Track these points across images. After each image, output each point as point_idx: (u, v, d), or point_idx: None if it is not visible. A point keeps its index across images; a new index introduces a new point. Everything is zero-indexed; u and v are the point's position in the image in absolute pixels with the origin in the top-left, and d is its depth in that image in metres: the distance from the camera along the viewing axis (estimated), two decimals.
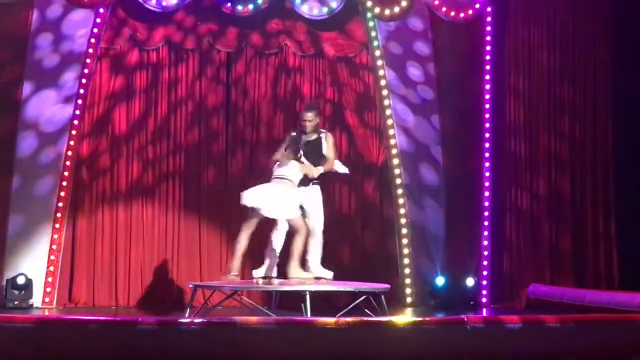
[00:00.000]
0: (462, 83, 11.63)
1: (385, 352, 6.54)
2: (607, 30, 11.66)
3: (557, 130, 11.56)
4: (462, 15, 11.56)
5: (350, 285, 9.10)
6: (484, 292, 11.24)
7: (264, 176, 9.30)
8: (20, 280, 10.07)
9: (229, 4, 10.92)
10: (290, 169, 9.07)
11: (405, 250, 11.20)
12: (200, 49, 11.33)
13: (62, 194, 10.46)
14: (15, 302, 9.96)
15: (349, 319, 6.93)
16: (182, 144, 11.23)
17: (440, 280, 11.03)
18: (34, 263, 10.28)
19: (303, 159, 9.11)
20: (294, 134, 9.42)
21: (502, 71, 11.67)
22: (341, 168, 9.60)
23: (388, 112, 11.36)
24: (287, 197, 8.89)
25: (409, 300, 11.09)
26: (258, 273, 9.21)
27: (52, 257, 10.34)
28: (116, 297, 10.78)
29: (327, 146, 9.38)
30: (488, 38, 11.58)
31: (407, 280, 11.14)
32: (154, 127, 11.18)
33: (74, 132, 10.56)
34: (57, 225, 10.40)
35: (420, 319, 7.40)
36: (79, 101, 10.60)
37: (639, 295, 9.25)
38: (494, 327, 6.96)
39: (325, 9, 11.20)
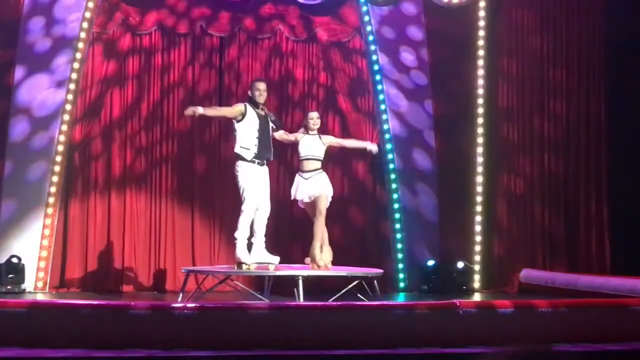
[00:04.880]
0: (455, 68, 11.63)
1: (378, 336, 6.56)
2: (599, 14, 11.64)
3: (550, 114, 11.57)
4: (455, 0, 11.54)
5: (343, 269, 9.12)
6: (477, 276, 11.27)
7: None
8: (14, 260, 10.04)
9: None
10: (317, 147, 9.18)
11: (398, 235, 11.21)
12: (193, 34, 11.29)
13: (55, 179, 10.43)
14: (8, 287, 9.94)
15: (341, 303, 6.96)
16: (174, 129, 11.21)
17: (430, 261, 11.03)
18: (27, 248, 10.25)
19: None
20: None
21: (495, 55, 11.66)
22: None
23: (381, 97, 11.36)
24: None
25: (401, 284, 11.11)
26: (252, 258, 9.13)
27: (45, 242, 10.32)
28: (108, 282, 10.77)
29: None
30: (481, 23, 11.57)
31: (400, 265, 11.16)
32: (147, 113, 11.15)
33: (66, 117, 10.52)
34: (50, 211, 10.38)
35: (412, 303, 7.43)
36: (71, 86, 10.56)
37: (631, 279, 9.27)
38: (486, 312, 6.99)
39: None
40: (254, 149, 8.83)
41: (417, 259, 11.23)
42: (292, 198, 9.35)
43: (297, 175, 9.26)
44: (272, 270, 8.96)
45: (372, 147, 9.73)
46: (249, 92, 9.15)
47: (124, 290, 10.71)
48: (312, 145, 9.16)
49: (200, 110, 8.85)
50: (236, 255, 8.85)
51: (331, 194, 9.21)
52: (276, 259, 8.91)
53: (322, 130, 9.54)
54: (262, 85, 9.10)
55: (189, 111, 8.82)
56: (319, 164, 9.17)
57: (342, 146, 9.83)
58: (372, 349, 6.37)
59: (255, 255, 8.90)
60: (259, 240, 9.02)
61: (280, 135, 9.37)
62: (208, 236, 11.18)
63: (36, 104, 10.50)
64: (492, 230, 11.51)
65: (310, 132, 9.23)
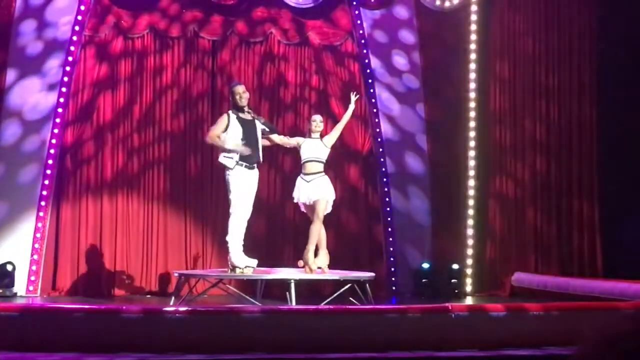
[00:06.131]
0: (447, 71, 11.65)
1: (370, 340, 6.56)
2: (591, 17, 11.66)
3: (541, 117, 11.57)
4: (447, 3, 11.57)
5: (336, 273, 9.11)
6: (469, 280, 11.28)
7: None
8: (9, 268, 10.04)
9: None
10: (320, 150, 9.16)
11: (390, 239, 11.22)
12: (185, 37, 11.29)
13: (46, 182, 10.41)
14: None
15: (334, 307, 6.95)
16: (167, 132, 11.21)
17: (425, 265, 11.05)
18: (18, 252, 10.22)
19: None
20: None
21: (487, 59, 11.68)
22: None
23: (373, 100, 11.37)
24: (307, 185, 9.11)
25: (393, 288, 11.11)
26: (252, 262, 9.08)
27: (36, 246, 10.29)
28: (100, 286, 10.74)
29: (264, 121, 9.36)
30: (473, 26, 11.59)
31: (392, 269, 11.16)
32: (139, 116, 11.14)
33: (58, 120, 10.50)
34: (41, 214, 10.35)
35: (405, 307, 7.42)
36: (63, 89, 10.54)
37: (622, 283, 9.29)
38: (478, 316, 6.99)
39: None
40: (237, 157, 8.76)
41: (409, 262, 11.24)
42: (294, 201, 9.33)
43: (299, 177, 9.21)
44: (263, 274, 8.95)
45: (353, 100, 9.53)
46: (230, 99, 9.12)
47: (116, 293, 10.69)
48: (314, 147, 9.13)
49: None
50: (230, 259, 8.82)
51: (333, 198, 9.17)
52: (254, 262, 8.86)
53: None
54: (240, 88, 9.04)
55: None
56: (321, 167, 9.13)
57: (341, 129, 9.50)
58: (364, 353, 6.36)
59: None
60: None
61: (281, 139, 9.35)
62: (200, 239, 11.17)
63: (28, 107, 10.48)
64: (484, 233, 11.52)
65: (312, 135, 9.21)
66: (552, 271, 11.14)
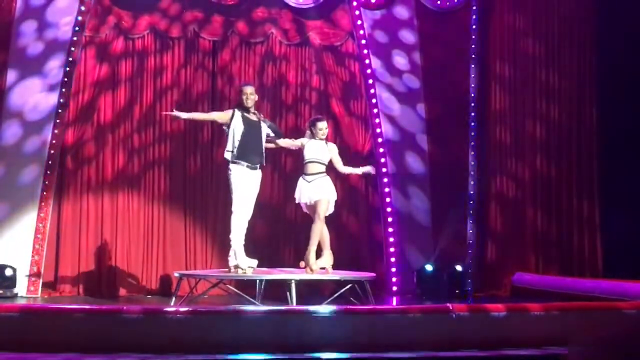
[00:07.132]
0: (447, 72, 11.64)
1: (371, 340, 6.56)
2: (591, 18, 11.66)
3: (542, 118, 11.58)
4: (448, 3, 11.57)
5: (336, 273, 9.11)
6: (469, 280, 11.26)
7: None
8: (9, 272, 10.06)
9: None
10: (323, 152, 9.15)
11: (391, 239, 11.21)
12: (185, 38, 11.30)
13: (47, 182, 10.42)
14: (0, 292, 9.92)
15: (334, 307, 6.95)
16: (167, 132, 11.21)
17: (428, 267, 11.04)
18: (19, 252, 10.23)
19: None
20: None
21: (487, 59, 11.68)
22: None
23: (374, 100, 11.37)
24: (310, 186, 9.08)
25: (394, 288, 11.10)
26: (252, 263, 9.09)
27: (37, 246, 10.30)
28: (101, 286, 10.74)
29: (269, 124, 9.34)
30: (474, 27, 11.59)
31: (393, 269, 11.16)
32: (140, 116, 11.15)
33: (58, 121, 10.51)
34: (42, 214, 10.35)
35: (405, 307, 7.43)
36: (64, 89, 10.55)
37: (622, 283, 9.29)
38: (479, 316, 6.99)
39: None
40: (235, 151, 8.82)
41: (410, 262, 11.23)
42: (296, 202, 9.32)
43: (300, 178, 9.20)
44: (264, 275, 8.94)
45: (367, 170, 9.52)
46: (237, 98, 9.17)
47: (117, 294, 10.68)
48: (318, 149, 9.12)
49: (183, 115, 8.95)
50: (231, 259, 8.82)
51: (334, 199, 9.15)
52: (254, 262, 8.87)
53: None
54: (248, 89, 9.07)
55: (174, 114, 8.88)
56: (323, 168, 9.11)
57: (338, 169, 9.46)
58: (364, 353, 6.36)
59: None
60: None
61: (286, 142, 9.35)
62: (201, 239, 11.17)
63: (28, 107, 10.49)
64: (485, 233, 11.52)
65: (316, 137, 9.20)
66: (552, 271, 11.15)
